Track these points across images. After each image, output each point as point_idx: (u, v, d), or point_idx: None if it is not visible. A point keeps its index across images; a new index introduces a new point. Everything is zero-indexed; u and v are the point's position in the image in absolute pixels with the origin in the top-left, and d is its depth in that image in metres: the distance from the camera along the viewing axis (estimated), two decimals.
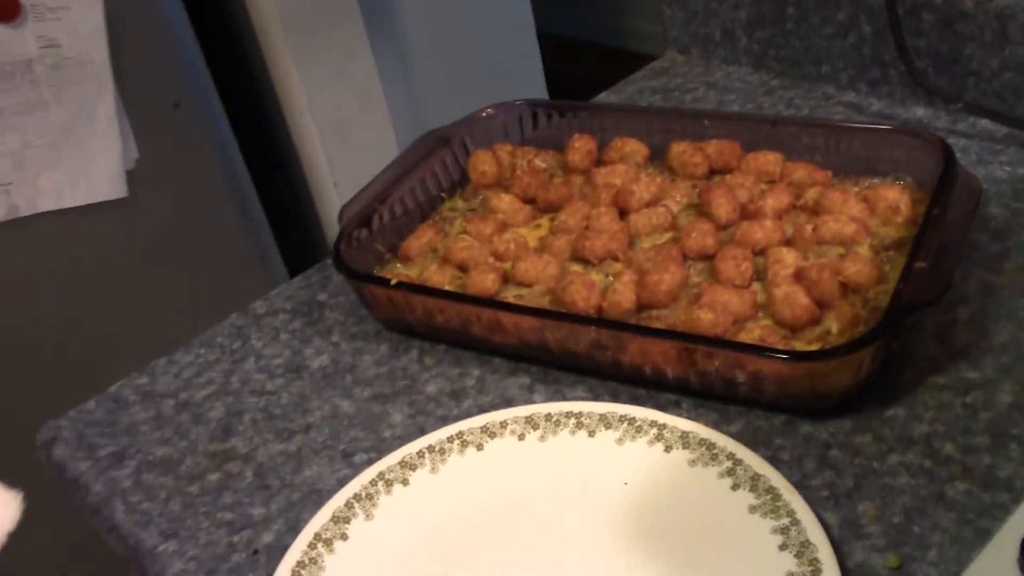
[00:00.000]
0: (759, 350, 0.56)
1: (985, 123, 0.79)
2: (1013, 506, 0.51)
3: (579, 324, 0.61)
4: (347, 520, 0.56)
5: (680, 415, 0.60)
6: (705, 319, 0.60)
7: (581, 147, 0.79)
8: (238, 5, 1.58)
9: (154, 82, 1.40)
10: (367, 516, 0.57)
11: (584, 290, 0.65)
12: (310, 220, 1.79)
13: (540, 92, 2.08)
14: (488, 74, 1.95)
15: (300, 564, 0.54)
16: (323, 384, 0.69)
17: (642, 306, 0.65)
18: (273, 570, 0.56)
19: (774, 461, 0.56)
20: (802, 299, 0.61)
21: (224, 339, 0.75)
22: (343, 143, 1.73)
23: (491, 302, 0.65)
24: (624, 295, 0.64)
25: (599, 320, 0.62)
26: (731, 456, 0.55)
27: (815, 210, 0.69)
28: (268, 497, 0.61)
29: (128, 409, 0.70)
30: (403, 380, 0.68)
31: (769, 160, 0.73)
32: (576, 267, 0.70)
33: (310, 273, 0.80)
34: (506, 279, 0.70)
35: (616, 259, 0.69)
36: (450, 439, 0.60)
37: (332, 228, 1.78)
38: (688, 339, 0.58)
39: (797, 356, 0.56)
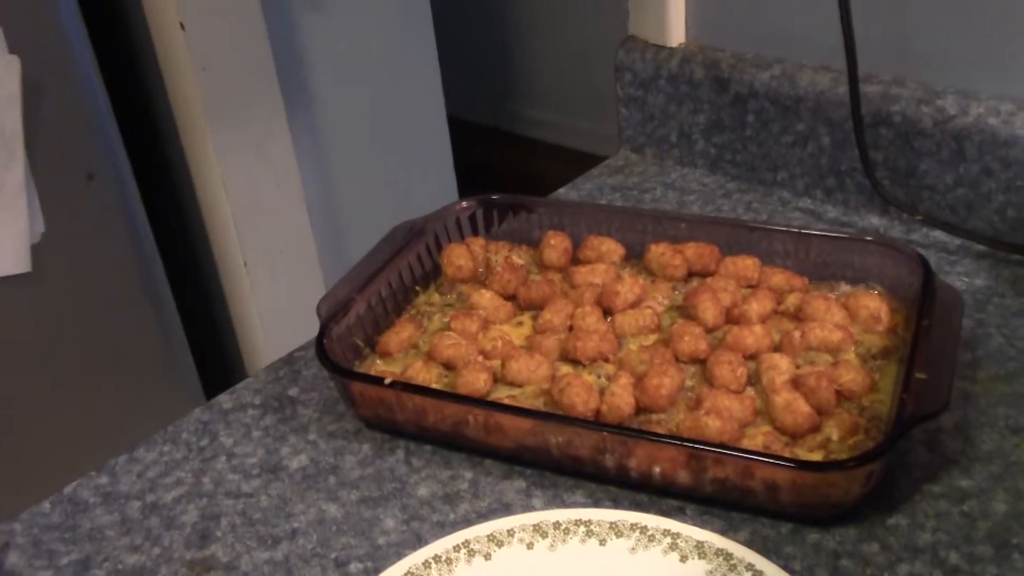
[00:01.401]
0: (778, 460, 0.57)
1: (938, 234, 0.83)
2: None
3: (590, 430, 0.61)
4: None
5: (686, 522, 0.59)
6: (713, 426, 0.60)
7: (557, 244, 0.80)
8: (157, 78, 1.54)
9: (67, 152, 1.35)
10: None
11: (584, 393, 0.64)
12: (218, 299, 1.74)
13: (449, 175, 2.09)
14: (400, 156, 1.95)
15: None
16: (305, 486, 0.66)
17: (640, 409, 0.65)
18: None
19: (788, 571, 0.56)
20: (803, 407, 0.62)
21: (190, 435, 0.71)
22: (256, 221, 1.69)
23: (496, 405, 0.64)
24: (623, 398, 0.64)
25: (616, 427, 0.62)
26: (750, 567, 0.55)
27: (797, 316, 0.71)
28: None
29: (89, 512, 0.65)
30: (391, 483, 0.65)
31: (748, 265, 0.75)
32: (566, 368, 0.69)
33: (277, 366, 0.77)
34: (495, 378, 0.68)
35: (607, 360, 0.69)
36: (456, 548, 0.58)
37: (241, 307, 1.73)
38: (706, 447, 0.58)
39: (820, 467, 0.56)
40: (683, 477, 0.60)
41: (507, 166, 2.91)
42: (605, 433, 0.60)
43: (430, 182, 2.04)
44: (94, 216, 1.38)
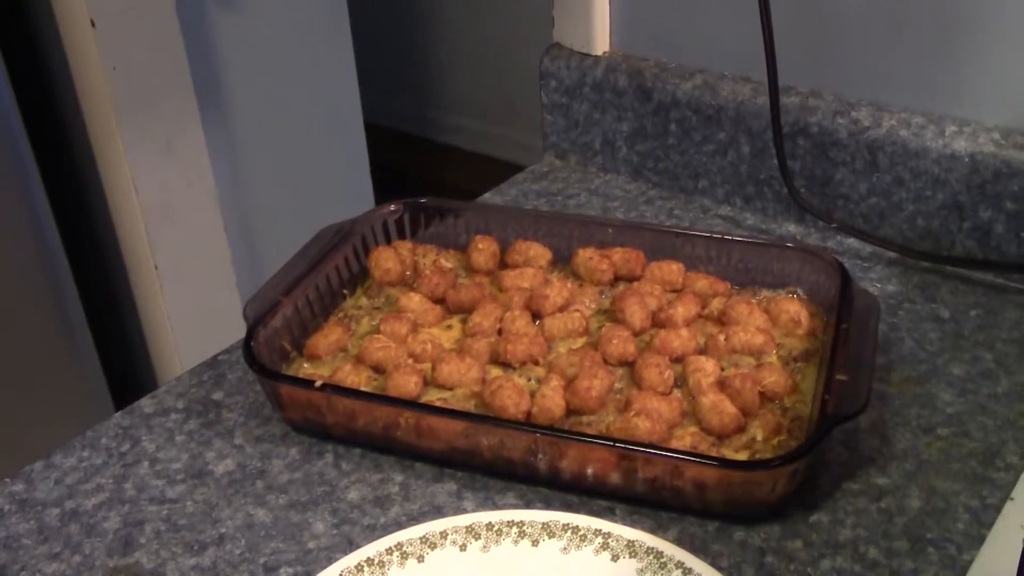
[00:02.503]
0: (706, 459, 0.58)
1: (852, 241, 0.86)
2: None
3: (522, 431, 0.61)
4: None
5: (616, 522, 0.60)
6: (643, 427, 0.61)
7: (485, 248, 0.80)
8: (65, 75, 1.50)
9: None
10: None
11: (515, 395, 0.64)
12: (127, 302, 1.69)
13: (365, 180, 2.08)
14: (316, 160, 1.93)
15: None
16: (231, 491, 0.64)
17: (571, 411, 0.65)
18: None
19: (716, 568, 0.57)
20: (729, 408, 0.63)
21: (109, 440, 0.69)
22: (167, 221, 1.65)
23: (428, 407, 0.64)
24: (554, 400, 0.65)
25: (548, 428, 0.62)
26: (680, 564, 0.56)
27: (721, 320, 0.73)
28: None
29: (4, 520, 0.63)
30: (321, 486, 0.64)
31: (673, 270, 0.77)
32: (496, 371, 0.69)
33: (200, 369, 0.76)
34: (426, 382, 0.68)
35: (537, 363, 0.69)
36: (389, 551, 0.58)
37: (151, 310, 1.69)
38: (637, 448, 0.59)
39: (747, 466, 0.58)
40: (613, 478, 0.61)
41: (423, 171, 2.91)
42: (537, 434, 0.61)
43: (346, 186, 2.02)
44: None
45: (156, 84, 1.56)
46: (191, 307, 1.68)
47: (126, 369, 1.69)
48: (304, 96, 1.89)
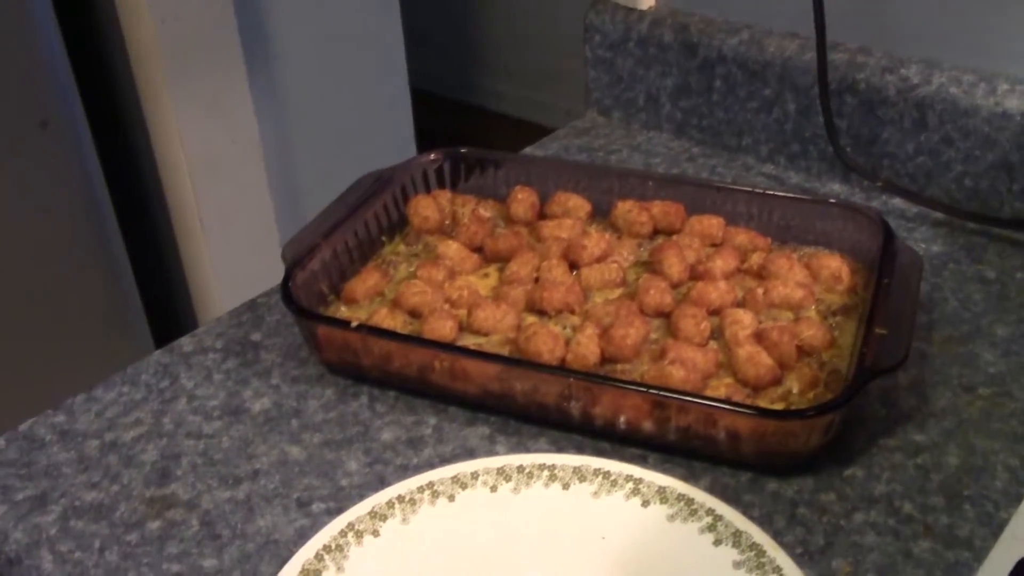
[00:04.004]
0: (742, 407, 0.58)
1: (897, 201, 0.84)
2: (976, 564, 0.54)
3: (558, 375, 0.61)
4: (318, 573, 0.53)
5: (647, 469, 0.60)
6: (677, 375, 0.61)
7: (524, 199, 0.80)
8: (114, 28, 1.51)
9: (20, 100, 1.32)
10: (338, 568, 0.54)
11: (550, 341, 0.64)
12: (171, 254, 1.72)
13: (409, 143, 2.08)
14: (360, 123, 1.94)
15: None
16: (267, 428, 0.65)
17: (605, 359, 0.65)
18: None
19: (747, 518, 0.57)
20: (766, 360, 0.63)
21: (149, 377, 0.70)
22: (212, 177, 1.67)
23: (463, 350, 0.64)
24: (588, 348, 0.65)
25: (582, 373, 0.62)
26: (711, 511, 0.56)
27: (760, 274, 0.72)
28: (219, 548, 0.57)
29: (45, 449, 0.64)
30: (355, 427, 0.65)
31: (712, 224, 0.76)
32: (531, 318, 0.69)
33: (239, 311, 0.76)
34: (461, 327, 0.69)
35: (572, 312, 0.69)
36: (420, 489, 0.58)
37: (196, 263, 1.71)
38: (671, 394, 0.58)
39: (782, 415, 0.57)
40: (646, 425, 0.61)
41: (466, 136, 2.90)
42: (571, 379, 0.61)
43: (390, 149, 2.02)
44: (47, 164, 1.36)
45: (203, 40, 1.57)
46: (234, 262, 1.70)
47: (170, 321, 1.71)
48: (350, 58, 1.89)
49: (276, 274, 0.72)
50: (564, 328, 0.68)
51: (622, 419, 0.61)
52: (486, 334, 0.68)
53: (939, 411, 0.64)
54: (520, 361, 0.63)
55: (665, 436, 0.61)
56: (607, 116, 1.01)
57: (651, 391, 0.59)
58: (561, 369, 0.63)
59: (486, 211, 0.80)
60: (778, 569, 0.52)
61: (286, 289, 0.67)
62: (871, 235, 0.72)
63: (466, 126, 3.01)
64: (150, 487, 0.61)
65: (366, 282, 0.73)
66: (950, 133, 0.80)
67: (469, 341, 0.67)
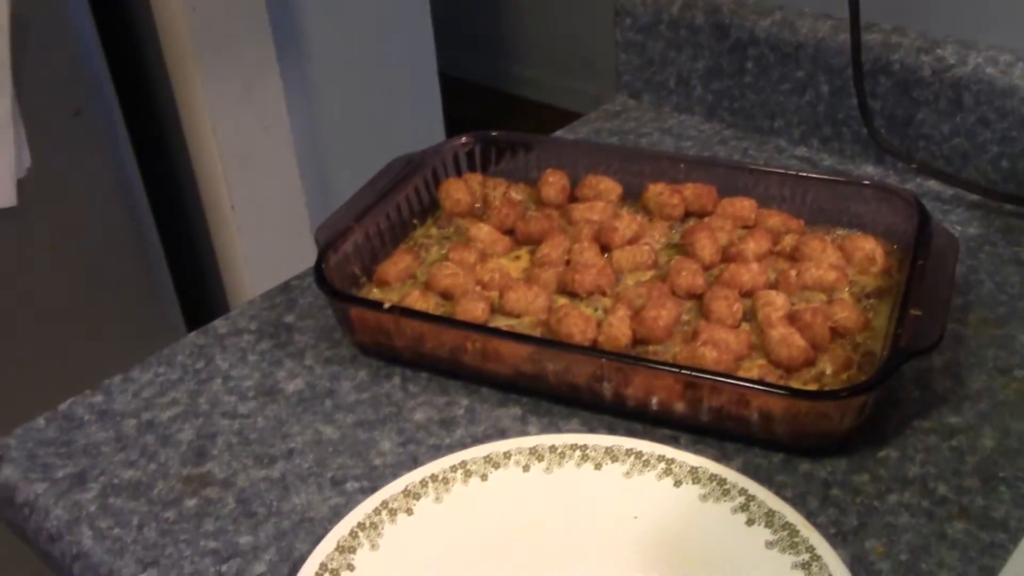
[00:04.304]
0: (775, 388, 0.57)
1: (932, 183, 0.84)
2: (1011, 545, 0.54)
3: (590, 356, 0.61)
4: (352, 550, 0.54)
5: (680, 450, 0.60)
6: (710, 356, 0.61)
7: (555, 182, 0.80)
8: (147, 17, 1.52)
9: (55, 88, 1.33)
10: (372, 546, 0.54)
11: (581, 322, 0.64)
12: (203, 241, 1.73)
13: (438, 129, 2.08)
14: (389, 109, 1.95)
15: None
16: (301, 409, 0.66)
17: (637, 341, 0.65)
18: None
19: (779, 499, 0.57)
20: (799, 341, 0.62)
21: (185, 358, 0.71)
22: (244, 164, 1.68)
23: (496, 331, 0.64)
24: (620, 329, 0.65)
25: (615, 353, 0.62)
26: (743, 492, 0.56)
27: (793, 256, 0.71)
28: (255, 525, 0.58)
29: (84, 428, 0.65)
30: (388, 407, 0.65)
31: (745, 206, 0.75)
32: (563, 300, 0.69)
33: (272, 293, 0.77)
34: (493, 309, 0.69)
35: (604, 294, 0.69)
36: (453, 468, 0.58)
37: (227, 250, 1.72)
38: (703, 374, 0.58)
39: (816, 395, 0.57)
40: (678, 406, 0.61)
41: (496, 123, 2.90)
42: (603, 360, 0.61)
43: (419, 136, 2.03)
44: (81, 152, 1.37)
45: (235, 28, 1.58)
46: (266, 248, 1.71)
47: (201, 307, 1.73)
48: (380, 45, 1.90)
49: (307, 260, 0.73)
50: (595, 310, 0.68)
51: (654, 400, 0.61)
52: (518, 316, 0.68)
53: (974, 393, 0.64)
54: (552, 342, 0.63)
55: (697, 417, 0.61)
56: (638, 99, 1.01)
57: (683, 372, 0.59)
58: (594, 350, 0.63)
59: (517, 194, 0.80)
60: (811, 549, 0.52)
61: (319, 271, 0.68)
62: (906, 217, 0.71)
63: (495, 113, 3.01)
64: (187, 466, 0.62)
65: (398, 265, 0.73)
66: (986, 114, 0.80)
67: (501, 323, 0.68)
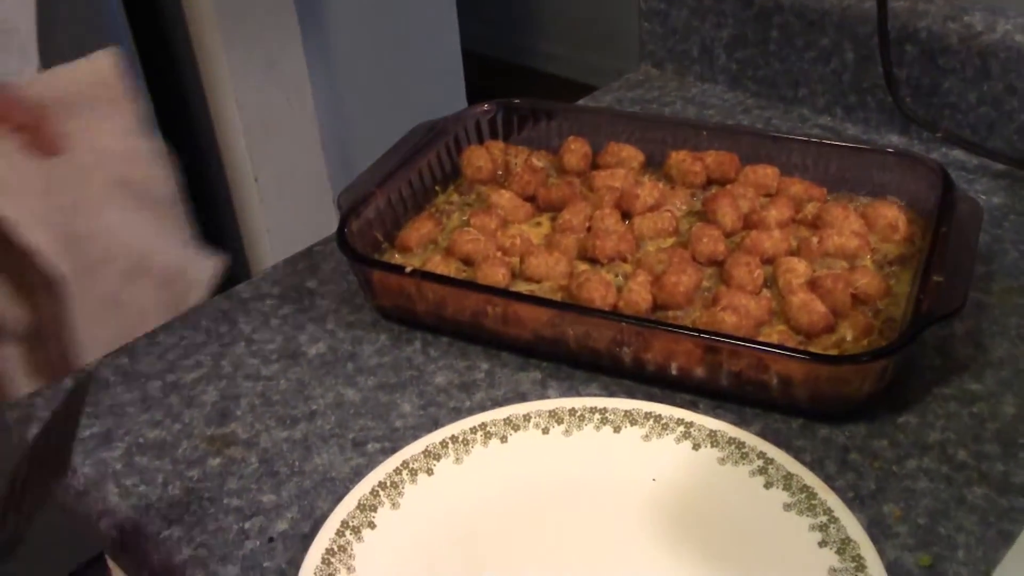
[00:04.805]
0: (796, 352, 0.57)
1: (957, 153, 0.83)
2: None
3: (610, 320, 0.61)
4: (374, 508, 0.54)
5: (699, 414, 0.60)
6: (729, 321, 0.61)
7: (577, 149, 0.80)
8: None
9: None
10: (393, 505, 0.55)
11: (602, 288, 0.65)
12: (227, 211, 1.74)
13: (460, 105, 2.08)
14: (412, 85, 1.94)
15: (329, 552, 0.52)
16: (323, 372, 0.66)
17: (657, 306, 0.65)
18: (291, 558, 0.54)
19: (798, 463, 0.57)
20: (819, 307, 0.62)
21: (209, 322, 0.72)
22: (267, 136, 1.69)
23: (516, 295, 0.64)
24: (640, 295, 0.65)
25: (635, 317, 0.62)
26: (762, 455, 0.56)
27: (815, 224, 0.71)
28: (277, 484, 0.58)
29: (110, 389, 0.66)
30: (409, 371, 0.66)
31: (767, 173, 0.75)
32: (584, 265, 0.70)
33: (296, 259, 0.78)
34: (513, 274, 0.69)
35: (624, 260, 0.69)
36: (473, 430, 0.59)
37: (251, 221, 1.73)
38: (722, 339, 0.59)
39: (838, 360, 0.57)
40: (698, 371, 0.61)
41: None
42: (623, 324, 0.61)
43: (441, 110, 2.02)
44: None
45: (258, 1, 1.58)
46: (288, 218, 1.72)
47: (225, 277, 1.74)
48: (402, 20, 1.90)
49: (328, 230, 0.73)
50: (616, 276, 0.68)
51: (673, 365, 0.61)
52: (538, 281, 0.68)
53: (996, 361, 0.63)
54: (573, 306, 0.64)
55: (716, 382, 0.61)
56: (660, 69, 1.00)
57: (703, 336, 0.59)
58: (614, 314, 0.63)
59: (539, 161, 0.80)
60: (829, 511, 0.52)
61: (342, 235, 0.68)
62: (930, 185, 0.71)
63: (517, 87, 3.00)
64: (211, 426, 0.63)
65: (419, 230, 0.73)
66: (1014, 82, 0.79)
67: (521, 288, 0.68)
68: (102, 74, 0.93)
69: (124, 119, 0.94)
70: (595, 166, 0.80)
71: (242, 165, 1.68)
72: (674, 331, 0.60)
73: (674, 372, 0.62)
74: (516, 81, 3.07)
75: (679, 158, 0.77)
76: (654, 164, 0.79)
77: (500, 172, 0.80)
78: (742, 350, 0.59)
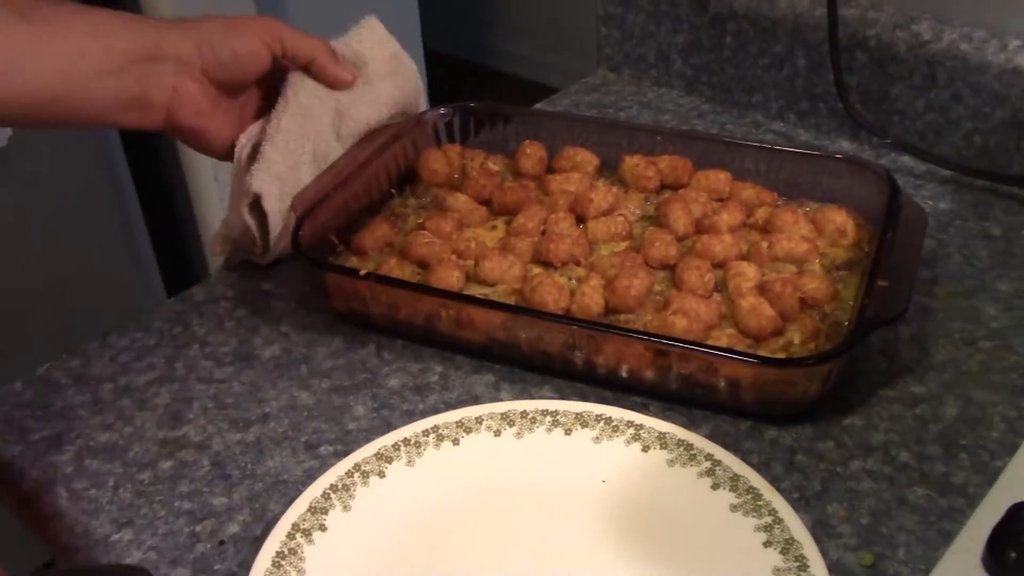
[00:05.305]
0: (744, 355, 0.58)
1: (906, 159, 0.84)
2: (969, 510, 0.55)
3: (563, 324, 0.62)
4: (324, 511, 0.55)
5: (649, 416, 0.61)
6: (680, 324, 0.62)
7: (533, 153, 0.80)
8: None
9: None
10: (344, 507, 0.55)
11: (554, 291, 0.65)
12: (184, 210, 1.73)
13: (423, 106, 2.08)
14: None
15: (280, 555, 0.52)
16: (277, 374, 0.66)
17: (610, 310, 0.66)
18: (242, 561, 0.54)
19: (746, 464, 0.58)
20: (768, 311, 0.63)
21: (162, 324, 0.71)
22: None
23: (470, 298, 0.65)
24: (593, 298, 0.65)
25: (587, 321, 0.63)
26: (709, 457, 0.57)
27: (765, 228, 0.72)
28: (229, 487, 0.58)
29: (61, 392, 0.66)
30: (362, 373, 0.66)
31: (720, 178, 0.76)
32: (537, 269, 0.70)
33: (252, 260, 0.77)
34: (468, 278, 0.69)
35: (578, 263, 0.70)
36: (425, 432, 0.59)
37: (210, 220, 1.72)
38: (673, 342, 0.59)
39: (784, 363, 0.58)
40: (648, 374, 0.62)
41: (480, 99, 2.89)
42: (575, 328, 0.62)
43: None
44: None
45: (218, 5, 1.57)
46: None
47: (183, 276, 1.73)
48: (362, 18, 1.89)
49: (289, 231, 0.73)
50: (569, 279, 0.69)
51: (624, 368, 0.62)
52: (492, 284, 0.69)
53: (939, 364, 0.65)
54: (526, 310, 0.64)
55: (667, 385, 0.62)
56: (618, 73, 1.01)
57: (653, 340, 0.60)
58: (566, 318, 0.64)
59: (495, 165, 0.81)
60: (774, 512, 0.53)
61: (296, 238, 0.68)
62: (877, 190, 0.72)
63: (479, 88, 3.00)
64: (163, 429, 0.63)
65: (375, 233, 0.73)
66: (960, 90, 0.80)
67: (476, 291, 0.68)
68: None
69: None
70: (551, 170, 0.80)
71: (200, 164, 1.67)
72: (625, 335, 0.61)
73: (625, 375, 0.62)
74: (480, 81, 3.07)
75: (633, 162, 0.78)
76: (609, 168, 0.80)
77: (456, 176, 0.80)
78: (692, 354, 0.59)
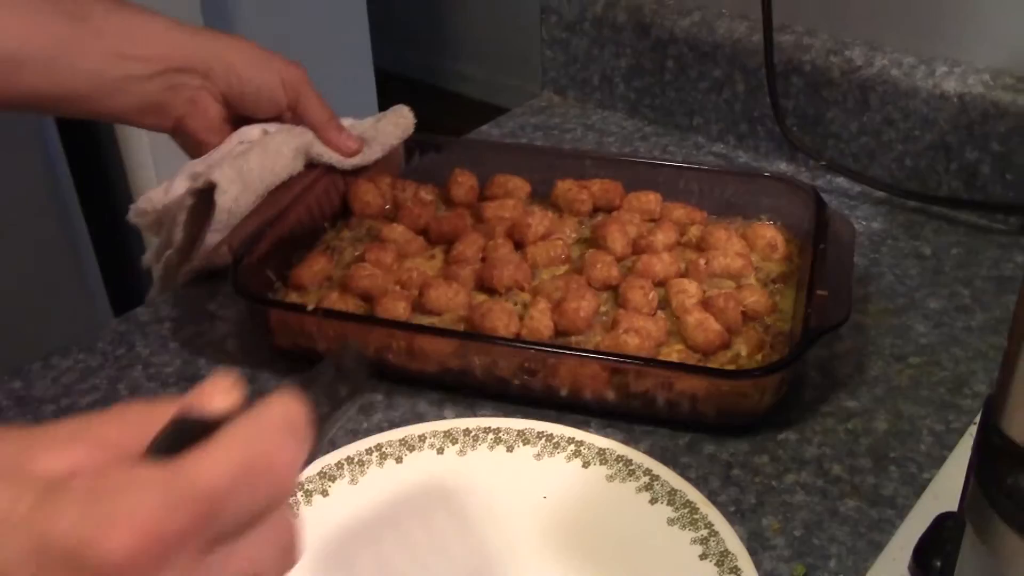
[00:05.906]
0: (704, 370, 0.61)
1: (841, 180, 0.87)
2: (898, 521, 0.57)
3: (520, 348, 0.63)
4: None
5: (589, 433, 0.62)
6: (632, 342, 0.63)
7: (464, 182, 0.81)
8: None
9: None
10: None
11: (504, 317, 0.66)
12: (131, 229, 1.71)
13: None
14: (324, 98, 1.94)
15: None
16: None
17: (559, 332, 0.67)
18: None
19: (683, 479, 0.59)
20: (714, 325, 0.65)
21: (106, 345, 0.71)
22: (174, 156, 1.66)
23: (426, 328, 0.65)
24: (543, 322, 0.66)
25: (542, 344, 0.64)
26: (648, 472, 0.58)
27: (699, 246, 0.74)
28: None
29: (3, 414, 0.65)
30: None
31: (650, 199, 0.78)
32: (482, 296, 0.71)
33: (195, 281, 0.77)
34: (413, 308, 0.69)
35: (522, 288, 0.71)
36: (368, 451, 0.60)
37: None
38: (632, 360, 0.61)
39: (739, 375, 0.61)
40: (593, 393, 0.63)
41: (432, 120, 2.90)
42: (531, 351, 0.63)
43: None
44: (3, 132, 1.35)
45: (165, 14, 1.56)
46: None
47: (131, 293, 1.71)
48: (315, 39, 1.89)
49: None
50: (515, 304, 0.69)
51: (575, 387, 0.63)
52: (439, 313, 0.69)
53: (871, 379, 0.67)
54: (481, 336, 0.65)
55: (606, 401, 0.63)
56: (562, 95, 1.03)
57: (613, 359, 0.61)
58: (523, 342, 0.64)
59: (427, 194, 0.81)
60: (710, 525, 0.55)
61: (235, 277, 0.67)
62: (805, 206, 0.74)
63: (430, 108, 3.00)
64: None
65: (313, 267, 0.73)
66: (891, 114, 0.83)
67: (423, 321, 0.68)
68: None
69: None
70: (483, 197, 0.81)
71: (146, 176, 1.66)
72: (585, 356, 0.62)
73: (565, 394, 0.63)
74: (430, 101, 3.07)
75: (565, 187, 0.79)
76: (540, 194, 0.81)
77: (389, 206, 0.80)
78: (648, 370, 0.61)
